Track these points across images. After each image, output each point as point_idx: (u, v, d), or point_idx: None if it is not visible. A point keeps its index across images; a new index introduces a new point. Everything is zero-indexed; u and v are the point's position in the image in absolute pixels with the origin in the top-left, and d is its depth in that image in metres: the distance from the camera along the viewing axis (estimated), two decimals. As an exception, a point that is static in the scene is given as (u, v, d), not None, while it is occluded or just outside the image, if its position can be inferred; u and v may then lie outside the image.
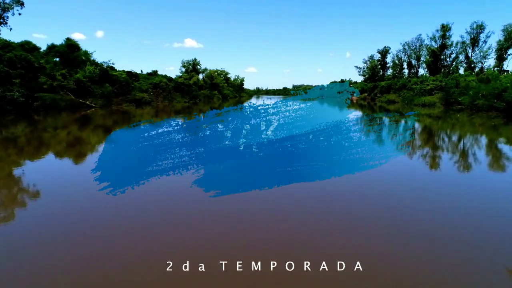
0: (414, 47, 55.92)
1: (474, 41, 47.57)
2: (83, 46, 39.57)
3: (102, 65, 34.87)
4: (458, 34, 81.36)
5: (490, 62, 48.47)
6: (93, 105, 28.91)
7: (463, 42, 48.58)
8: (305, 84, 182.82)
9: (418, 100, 36.97)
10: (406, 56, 58.04)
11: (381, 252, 3.73)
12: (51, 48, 33.53)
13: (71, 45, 33.96)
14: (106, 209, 5.06)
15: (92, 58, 34.68)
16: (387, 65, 64.26)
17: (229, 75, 78.31)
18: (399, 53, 59.62)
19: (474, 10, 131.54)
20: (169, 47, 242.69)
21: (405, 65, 59.24)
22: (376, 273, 3.31)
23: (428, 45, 52.71)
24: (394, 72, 60.95)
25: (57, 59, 32.90)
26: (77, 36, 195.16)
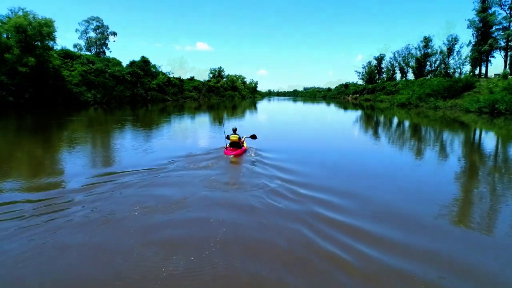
0: (403, 55, 75.29)
1: (450, 51, 66.50)
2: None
3: (167, 75, 60.57)
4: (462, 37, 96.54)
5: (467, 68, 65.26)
6: (169, 99, 54.19)
7: (441, 52, 67.49)
8: (315, 86, 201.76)
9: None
10: (397, 62, 77.50)
11: (381, 252, 4.13)
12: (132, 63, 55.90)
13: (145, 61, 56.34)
14: (106, 210, 5.46)
15: (160, 70, 59.79)
16: (382, 70, 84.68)
17: (245, 79, 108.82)
18: (391, 60, 79.20)
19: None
20: (181, 50, 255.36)
21: (397, 70, 78.72)
22: (376, 273, 3.68)
23: (413, 54, 71.93)
24: (387, 76, 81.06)
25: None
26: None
